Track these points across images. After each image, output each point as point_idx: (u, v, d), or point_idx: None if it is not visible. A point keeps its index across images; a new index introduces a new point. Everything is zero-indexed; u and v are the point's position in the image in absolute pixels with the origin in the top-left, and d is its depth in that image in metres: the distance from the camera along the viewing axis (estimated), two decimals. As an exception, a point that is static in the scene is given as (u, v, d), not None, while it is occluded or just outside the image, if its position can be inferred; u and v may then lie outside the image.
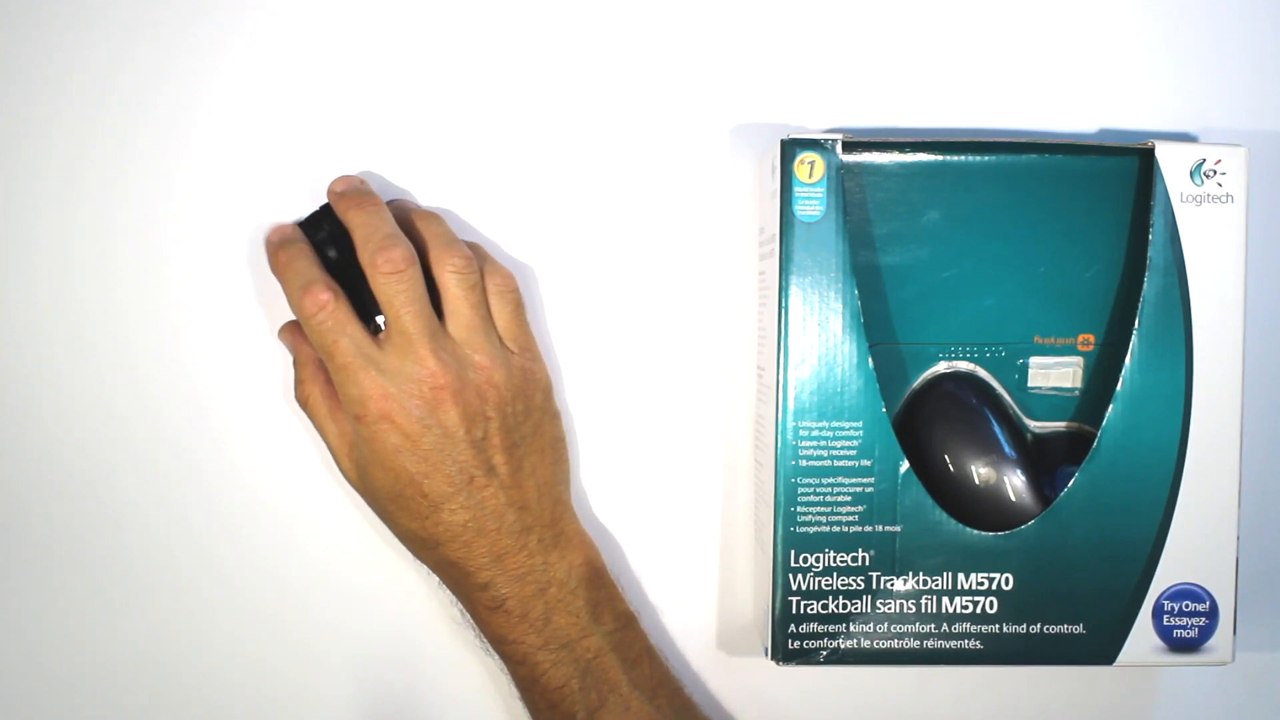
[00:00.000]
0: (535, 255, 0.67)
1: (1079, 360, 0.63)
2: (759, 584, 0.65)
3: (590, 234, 0.67)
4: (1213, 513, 0.61)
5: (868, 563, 0.61)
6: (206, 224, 0.67)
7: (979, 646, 0.62)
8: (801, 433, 0.61)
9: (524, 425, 0.63)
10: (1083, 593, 0.61)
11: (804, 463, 0.61)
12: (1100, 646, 0.61)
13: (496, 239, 0.67)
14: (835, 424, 0.61)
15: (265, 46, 0.66)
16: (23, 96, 0.66)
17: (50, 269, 0.67)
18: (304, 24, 0.67)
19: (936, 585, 0.61)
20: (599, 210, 0.67)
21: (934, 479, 0.62)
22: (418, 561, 0.65)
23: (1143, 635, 0.61)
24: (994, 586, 0.61)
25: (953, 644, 0.62)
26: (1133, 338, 0.61)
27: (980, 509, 0.62)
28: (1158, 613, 0.61)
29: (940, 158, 0.62)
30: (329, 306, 0.61)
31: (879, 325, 0.63)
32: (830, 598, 0.61)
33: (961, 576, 0.61)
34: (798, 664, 0.62)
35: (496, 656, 0.64)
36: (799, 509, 0.61)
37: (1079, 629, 0.61)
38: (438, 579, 0.65)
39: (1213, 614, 0.62)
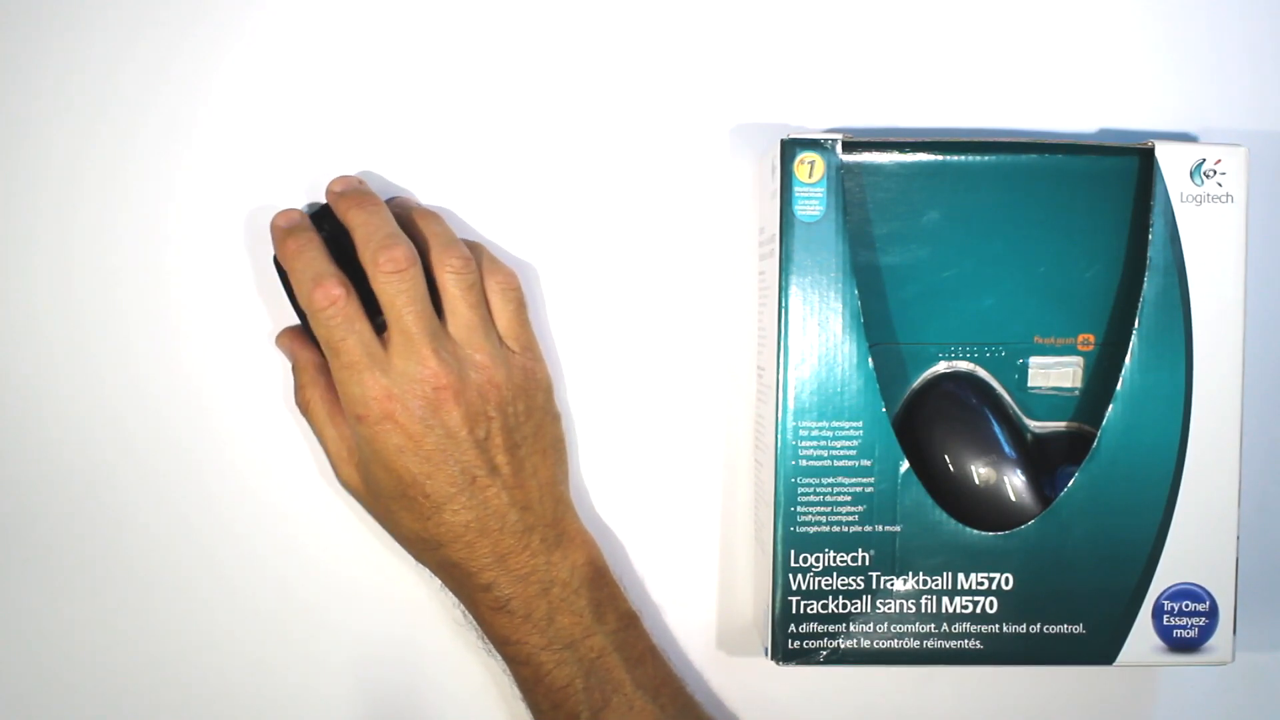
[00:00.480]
0: (536, 255, 0.67)
1: (1079, 360, 0.63)
2: (759, 584, 0.65)
3: (591, 234, 0.67)
4: (1213, 513, 0.61)
5: (868, 563, 0.61)
6: (206, 224, 0.67)
7: (979, 646, 0.62)
8: (801, 433, 0.61)
9: (525, 425, 0.63)
10: (1083, 593, 0.61)
11: (804, 463, 0.61)
12: (1100, 646, 0.61)
13: (497, 238, 0.67)
14: (835, 424, 0.61)
15: (265, 46, 0.66)
16: (22, 96, 0.66)
17: (49, 270, 0.67)
18: (304, 24, 0.67)
19: (936, 585, 0.61)
20: (599, 210, 0.67)
21: (934, 479, 0.62)
22: (419, 564, 0.65)
23: (1143, 635, 0.61)
24: (994, 586, 0.61)
25: (953, 644, 0.62)
26: (1133, 338, 0.61)
27: (980, 509, 0.62)
28: (1158, 613, 0.61)
29: (940, 158, 0.62)
30: (340, 302, 0.61)
31: (879, 325, 0.63)
32: (830, 598, 0.61)
33: (961, 576, 0.61)
34: (798, 664, 0.62)
35: (499, 658, 0.64)
36: (799, 509, 0.61)
37: (1079, 629, 0.61)
38: (439, 581, 0.65)
39: (1213, 614, 0.62)
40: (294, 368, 0.65)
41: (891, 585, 0.61)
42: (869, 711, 0.69)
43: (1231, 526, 0.61)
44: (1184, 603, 0.61)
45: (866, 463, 0.61)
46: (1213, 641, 0.62)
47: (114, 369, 0.67)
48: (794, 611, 0.61)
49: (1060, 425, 0.64)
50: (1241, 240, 0.61)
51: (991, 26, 0.67)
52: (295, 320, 0.66)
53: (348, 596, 0.68)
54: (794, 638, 0.62)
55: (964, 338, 0.63)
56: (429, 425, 0.61)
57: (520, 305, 0.64)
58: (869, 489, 0.61)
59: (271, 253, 0.64)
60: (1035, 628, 0.61)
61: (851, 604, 0.61)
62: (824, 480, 0.61)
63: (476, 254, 0.64)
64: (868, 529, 0.61)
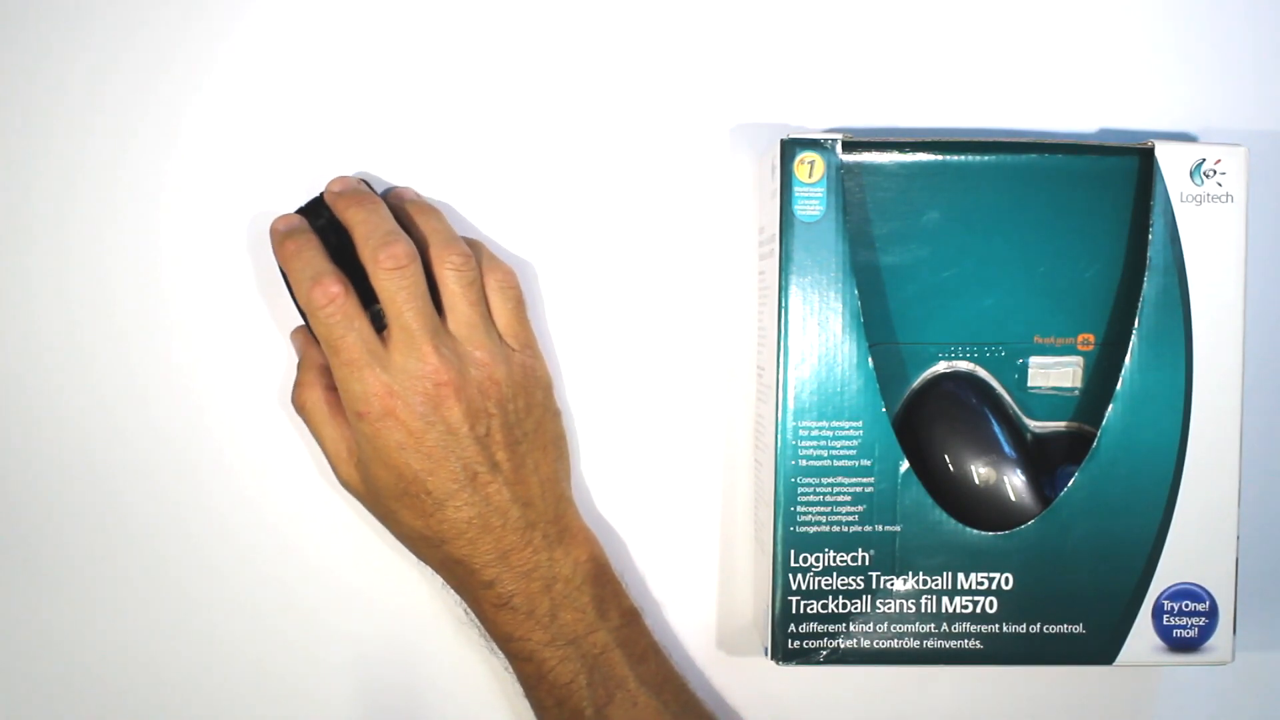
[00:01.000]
0: (536, 254, 0.68)
1: (1079, 360, 0.63)
2: (759, 584, 0.65)
3: (591, 233, 0.67)
4: (1213, 513, 0.61)
5: (868, 562, 0.61)
6: (204, 224, 0.67)
7: (979, 646, 0.62)
8: (801, 432, 0.61)
9: (526, 422, 0.63)
10: (1083, 593, 0.61)
11: (804, 462, 0.61)
12: (1100, 646, 0.61)
13: (497, 237, 0.67)
14: (835, 424, 0.61)
15: (263, 43, 0.66)
16: (18, 94, 0.66)
17: (45, 271, 0.67)
18: (302, 21, 0.67)
19: (936, 585, 0.61)
20: (600, 210, 0.67)
21: (934, 479, 0.62)
22: (420, 562, 0.65)
23: (1142, 635, 0.61)
24: (994, 586, 0.61)
25: (953, 644, 0.62)
26: (1133, 337, 0.61)
27: (980, 509, 0.62)
28: (1157, 612, 0.61)
29: (940, 158, 0.62)
30: (339, 299, 0.61)
31: (879, 325, 0.63)
32: (830, 597, 0.61)
33: (961, 576, 0.61)
34: (798, 664, 0.62)
35: (501, 655, 0.64)
36: (799, 509, 0.61)
37: (1079, 629, 0.61)
38: (441, 579, 0.65)
39: (1212, 614, 0.62)
40: (299, 365, 0.65)
41: (891, 585, 0.61)
42: (869, 711, 0.69)
43: (1231, 526, 0.61)
44: (1184, 603, 0.61)
45: (866, 463, 0.61)
46: (1213, 641, 0.62)
47: (110, 370, 0.67)
48: (794, 611, 0.61)
49: (1060, 425, 0.64)
50: (1241, 240, 0.61)
51: (991, 26, 0.67)
52: (299, 321, 0.66)
53: (349, 595, 0.68)
54: (794, 637, 0.62)
55: (964, 338, 0.63)
56: (430, 422, 0.61)
57: (519, 303, 0.64)
58: (869, 489, 0.61)
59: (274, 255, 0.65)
60: (1035, 628, 0.61)
61: (851, 604, 0.61)
62: (824, 480, 0.61)
63: (476, 252, 0.64)
64: (868, 529, 0.61)
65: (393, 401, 0.61)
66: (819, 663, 0.62)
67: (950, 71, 0.67)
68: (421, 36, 0.67)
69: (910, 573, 0.61)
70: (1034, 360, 0.63)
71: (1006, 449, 0.62)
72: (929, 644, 0.62)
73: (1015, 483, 0.62)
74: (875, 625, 0.62)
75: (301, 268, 0.62)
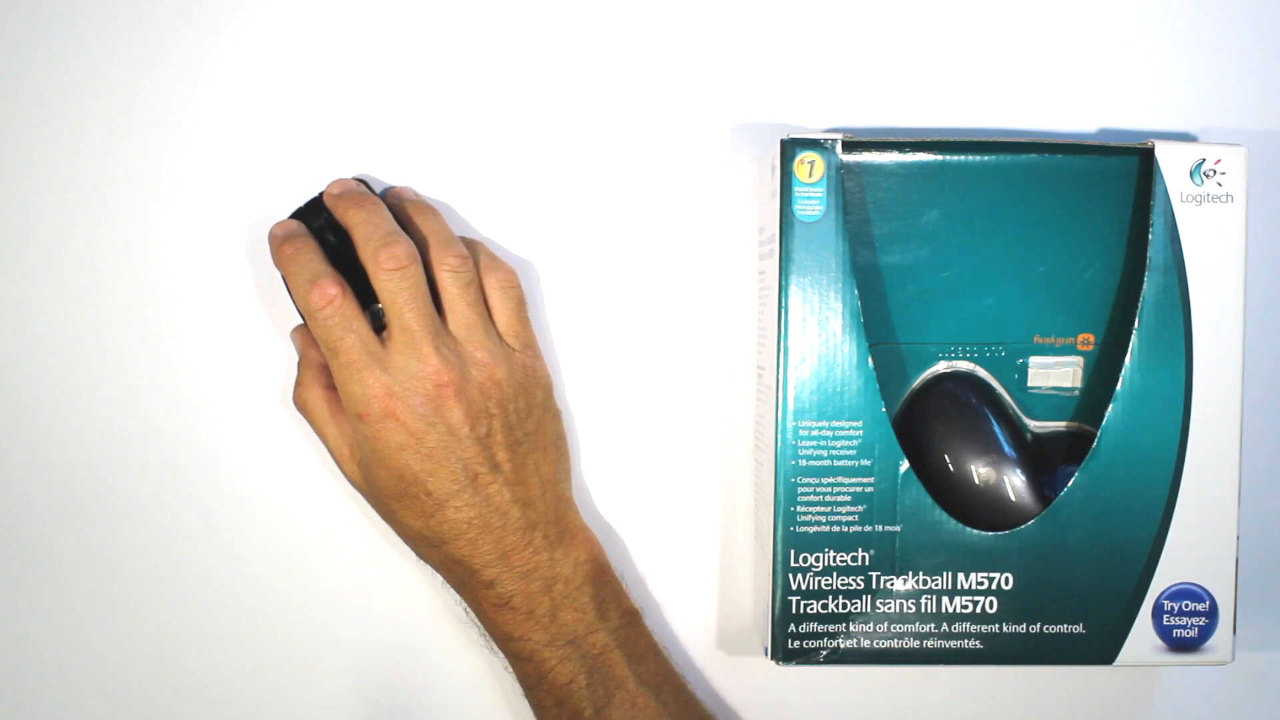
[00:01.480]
0: (537, 254, 0.67)
1: (1079, 360, 0.63)
2: (759, 584, 0.65)
3: (591, 233, 0.67)
4: (1213, 513, 0.61)
5: (867, 562, 0.61)
6: (203, 226, 0.67)
7: (979, 646, 0.62)
8: (801, 433, 0.61)
9: (526, 422, 0.63)
10: (1083, 592, 0.61)
11: (804, 462, 0.61)
12: (1100, 646, 0.61)
13: (498, 237, 0.67)
14: (835, 424, 0.61)
15: (261, 44, 0.66)
16: (11, 98, 0.66)
17: (42, 274, 0.66)
18: (302, 19, 0.66)
19: (936, 585, 0.61)
20: (600, 210, 0.67)
21: (934, 479, 0.62)
22: (421, 561, 0.65)
23: (1143, 635, 0.61)
24: (994, 586, 0.61)
25: (953, 644, 0.62)
26: (1133, 337, 0.61)
27: (980, 509, 0.62)
28: (1157, 612, 0.61)
29: (940, 158, 0.62)
30: (336, 301, 0.61)
31: (879, 325, 0.63)
32: (830, 597, 0.61)
33: (961, 576, 0.61)
34: (798, 664, 0.62)
35: (501, 655, 0.64)
36: (799, 509, 0.61)
37: (1079, 629, 0.61)
38: (441, 578, 0.65)
39: (1212, 614, 0.62)
40: (300, 364, 0.65)
41: (891, 585, 0.61)
42: (869, 711, 0.69)
43: (1231, 526, 0.61)
44: (1184, 603, 0.61)
45: (866, 463, 0.61)
46: (1213, 641, 0.62)
47: (109, 372, 0.67)
48: (794, 611, 0.61)
49: (1060, 425, 0.64)
50: (1241, 240, 0.61)
51: (991, 26, 0.67)
52: (299, 321, 0.66)
53: (349, 594, 0.68)
54: (794, 637, 0.62)
55: (964, 338, 0.63)
56: (431, 423, 0.61)
57: (520, 303, 0.64)
58: (869, 489, 0.61)
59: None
60: (1035, 628, 0.61)
61: (851, 604, 0.61)
62: (824, 480, 0.61)
63: (475, 252, 0.64)
64: (868, 529, 0.61)
65: (393, 403, 0.61)
66: (819, 663, 0.62)
67: (950, 71, 0.67)
68: (422, 36, 0.67)
69: (910, 573, 0.61)
70: (1034, 360, 0.63)
71: (1006, 449, 0.62)
72: (929, 644, 0.62)
73: (1015, 483, 0.62)
74: (875, 625, 0.62)
75: (299, 270, 0.62)
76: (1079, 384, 0.63)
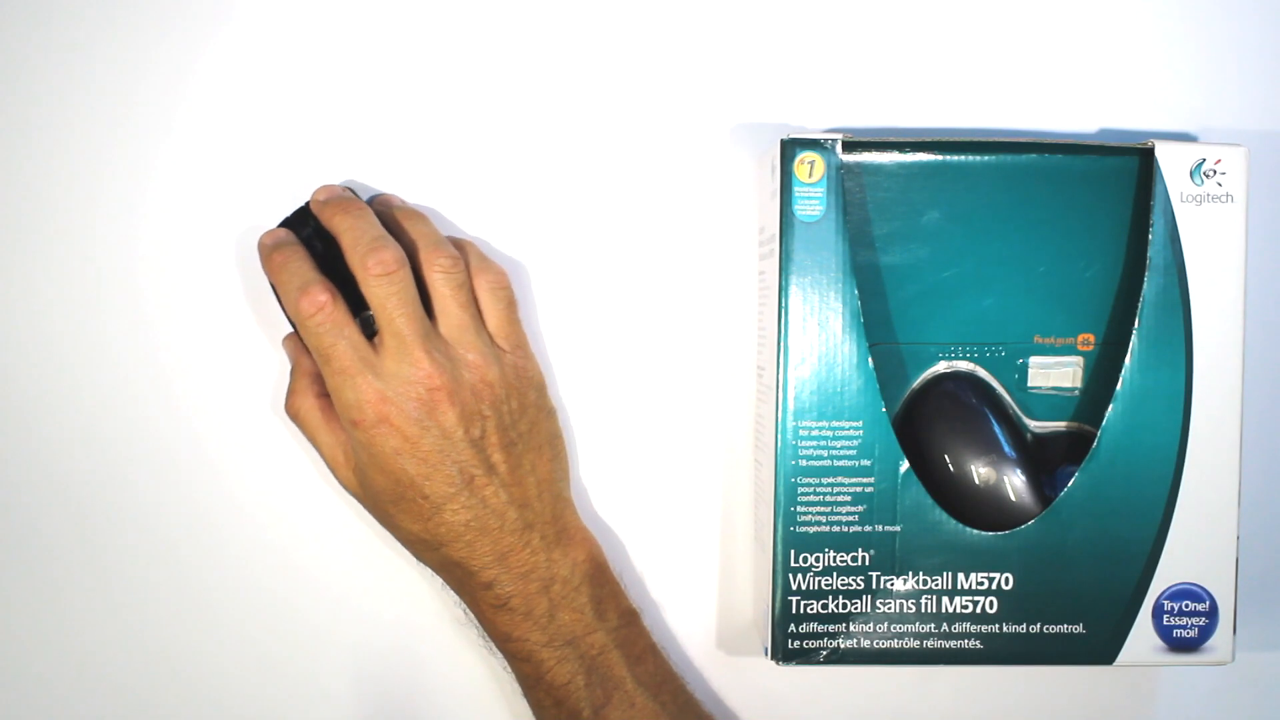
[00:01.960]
0: (537, 255, 0.67)
1: (1079, 360, 0.63)
2: (759, 584, 0.65)
3: (591, 234, 0.67)
4: (1213, 513, 0.61)
5: (868, 563, 0.61)
6: (192, 234, 0.67)
7: (979, 646, 0.62)
8: (801, 433, 0.61)
9: (520, 423, 0.63)
10: (1083, 592, 0.61)
11: (804, 463, 0.61)
12: (1100, 646, 0.61)
13: (496, 238, 0.67)
14: (835, 424, 0.61)
15: (249, 51, 0.66)
16: (8, 102, 0.66)
17: (32, 281, 0.66)
18: (290, 22, 0.66)
19: (936, 585, 0.61)
20: (600, 210, 0.67)
21: (934, 479, 0.62)
22: (419, 562, 0.65)
23: (1143, 635, 0.61)
24: (994, 586, 0.61)
25: (953, 644, 0.62)
26: (1133, 337, 0.61)
27: (980, 509, 0.62)
28: (1158, 612, 0.61)
29: (940, 158, 0.62)
30: (327, 308, 0.61)
31: (879, 325, 0.63)
32: (830, 598, 0.61)
33: (961, 576, 0.61)
34: (798, 664, 0.62)
35: (500, 655, 0.64)
36: (799, 509, 0.61)
37: (1079, 629, 0.61)
38: (441, 580, 0.65)
39: (1213, 614, 0.62)
40: (292, 372, 0.65)
41: (891, 585, 0.61)
42: (869, 711, 0.69)
43: (1231, 526, 0.61)
44: (1184, 603, 0.61)
45: (866, 463, 0.61)
46: (1213, 641, 0.62)
47: (100, 379, 0.67)
48: (794, 611, 0.61)
49: (1060, 425, 0.64)
50: (1241, 240, 0.61)
51: (991, 26, 0.67)
52: (289, 329, 0.66)
53: (348, 594, 0.68)
54: (794, 637, 0.62)
55: (964, 338, 0.63)
56: (425, 427, 0.61)
57: (510, 304, 0.64)
58: (869, 489, 0.61)
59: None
60: (1035, 628, 0.61)
61: (851, 604, 0.61)
62: (824, 480, 0.61)
63: (466, 252, 0.64)
64: (868, 529, 0.61)
65: (387, 408, 0.61)
66: (819, 663, 0.62)
67: (950, 71, 0.67)
68: (420, 37, 0.67)
69: (910, 573, 0.61)
70: (1034, 360, 0.63)
71: (1006, 449, 0.62)
72: (929, 644, 0.62)
73: (1015, 483, 0.62)
74: (875, 625, 0.62)
75: (289, 279, 0.62)
76: (1079, 384, 0.63)
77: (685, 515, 0.68)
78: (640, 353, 0.68)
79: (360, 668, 0.68)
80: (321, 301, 0.61)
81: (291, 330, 0.65)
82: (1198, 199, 0.61)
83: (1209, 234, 0.61)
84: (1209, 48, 0.68)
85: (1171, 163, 0.61)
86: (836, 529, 0.61)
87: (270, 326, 0.66)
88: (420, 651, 0.68)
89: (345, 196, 0.64)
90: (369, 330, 0.62)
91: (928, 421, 0.63)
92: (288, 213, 0.65)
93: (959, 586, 0.61)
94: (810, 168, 0.61)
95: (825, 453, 0.61)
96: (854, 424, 0.61)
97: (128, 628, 0.67)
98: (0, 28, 0.66)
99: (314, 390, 0.64)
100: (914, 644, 0.62)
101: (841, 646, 0.62)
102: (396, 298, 0.61)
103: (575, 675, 0.62)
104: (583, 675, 0.62)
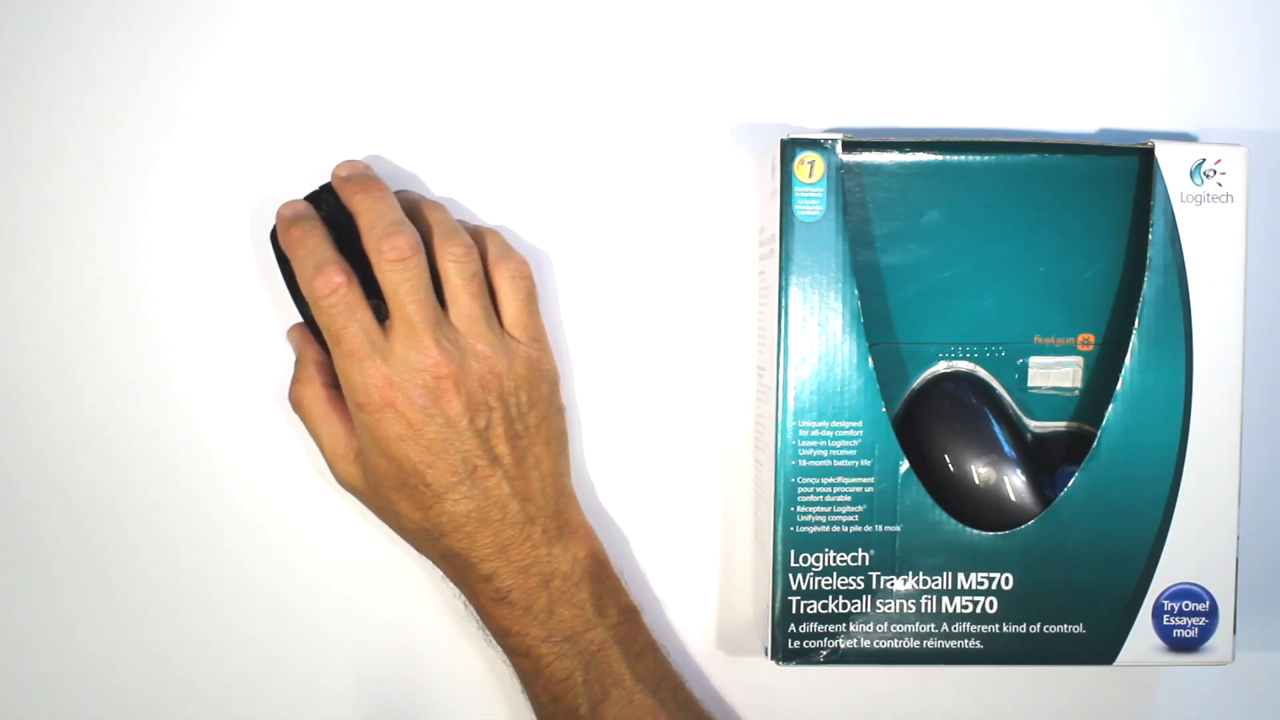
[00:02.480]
0: (536, 255, 0.67)
1: (1079, 360, 0.63)
2: (759, 584, 0.65)
3: (591, 234, 0.67)
4: (1213, 513, 0.61)
5: (868, 562, 0.61)
6: (205, 216, 0.67)
7: (979, 646, 0.62)
8: (801, 433, 0.61)
9: (529, 416, 0.63)
10: (1083, 592, 0.61)
11: (804, 463, 0.61)
12: (1100, 646, 0.61)
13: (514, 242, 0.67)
14: (835, 424, 0.61)
15: (273, 30, 0.66)
16: (7, 82, 0.66)
17: (37, 263, 0.66)
18: (315, 7, 0.66)
19: (936, 585, 0.61)
20: (600, 210, 0.67)
21: (934, 479, 0.62)
22: (419, 555, 0.65)
23: (1143, 635, 0.61)
24: (994, 586, 0.61)
25: (953, 644, 0.62)
26: (1133, 337, 0.61)
27: (980, 509, 0.62)
28: (1158, 612, 0.61)
29: (940, 158, 0.62)
30: (341, 289, 0.61)
31: (879, 325, 0.63)
32: (830, 597, 0.61)
33: (961, 576, 0.61)
34: (798, 664, 0.62)
35: (499, 649, 0.64)
36: (799, 509, 0.61)
37: (1079, 629, 0.61)
38: (441, 572, 0.65)
39: (1213, 614, 0.62)
40: (296, 361, 0.65)
41: (891, 585, 0.61)
42: (869, 711, 0.69)
43: (1231, 526, 0.61)
44: (1184, 603, 0.61)
45: (866, 463, 0.61)
46: (1213, 641, 0.62)
47: (102, 367, 0.67)
48: (794, 611, 0.61)
49: (1060, 425, 0.64)
50: (1241, 240, 0.61)
51: (991, 26, 0.68)
52: (296, 317, 0.66)
53: (348, 587, 0.68)
54: (794, 637, 0.62)
55: (964, 338, 0.63)
56: (430, 414, 0.61)
57: (530, 294, 0.64)
58: (869, 489, 0.61)
59: (269, 244, 0.64)
60: (1035, 628, 0.61)
61: (851, 604, 0.61)
62: (824, 480, 0.61)
63: (490, 241, 0.64)
64: (868, 529, 0.61)
65: (392, 393, 0.61)
66: (819, 663, 0.62)
67: (950, 71, 0.67)
68: (425, 34, 0.67)
69: (910, 573, 0.61)
70: (1034, 360, 0.63)
71: (1006, 449, 0.62)
72: (929, 644, 0.62)
73: (1015, 483, 0.62)
74: (875, 625, 0.62)
75: (305, 255, 0.62)
76: (1079, 384, 0.63)
77: (685, 515, 0.68)
78: (640, 352, 0.68)
79: (360, 660, 0.68)
80: (337, 283, 0.61)
81: (297, 321, 0.65)
82: (1198, 199, 0.61)
83: (1209, 234, 0.61)
84: (1209, 48, 0.68)
85: (1171, 163, 0.61)
86: (836, 529, 0.61)
87: (271, 326, 0.66)
88: (420, 650, 0.68)
89: (367, 175, 0.64)
90: (380, 315, 0.62)
91: (928, 421, 0.63)
92: (311, 189, 0.65)
93: (959, 586, 0.61)
94: (810, 168, 0.61)
95: (825, 453, 0.61)
96: (854, 424, 0.61)
97: (128, 627, 0.67)
98: (8, 7, 0.66)
99: (320, 380, 0.64)
100: (914, 644, 0.62)
101: (841, 646, 0.62)
102: (409, 284, 0.61)
103: (574, 671, 0.62)
104: (581, 671, 0.62)
